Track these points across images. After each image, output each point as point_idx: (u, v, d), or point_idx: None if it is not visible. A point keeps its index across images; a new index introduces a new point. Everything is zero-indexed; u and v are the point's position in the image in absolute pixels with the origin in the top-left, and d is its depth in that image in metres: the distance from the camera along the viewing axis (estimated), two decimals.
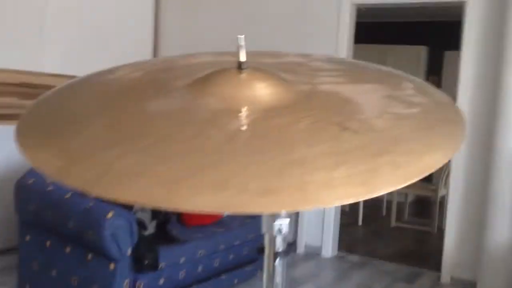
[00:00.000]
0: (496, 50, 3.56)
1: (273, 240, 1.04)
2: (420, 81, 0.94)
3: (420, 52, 6.70)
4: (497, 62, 3.53)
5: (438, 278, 3.87)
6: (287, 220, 1.07)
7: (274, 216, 1.06)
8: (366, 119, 0.81)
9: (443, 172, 5.31)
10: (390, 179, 0.69)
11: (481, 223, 3.61)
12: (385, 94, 0.89)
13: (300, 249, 4.35)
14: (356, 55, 4.31)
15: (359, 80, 0.95)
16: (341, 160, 0.73)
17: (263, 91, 0.90)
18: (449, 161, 3.82)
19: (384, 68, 1.00)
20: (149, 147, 0.85)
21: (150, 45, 5.09)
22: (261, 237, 1.06)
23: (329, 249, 4.30)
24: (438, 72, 6.62)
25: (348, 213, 5.54)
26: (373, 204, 5.86)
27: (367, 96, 0.88)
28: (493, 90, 3.57)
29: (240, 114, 0.88)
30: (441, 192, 5.35)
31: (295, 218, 4.30)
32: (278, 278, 1.10)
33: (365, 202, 5.44)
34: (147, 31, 5.05)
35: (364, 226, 5.54)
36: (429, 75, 6.66)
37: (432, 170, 0.72)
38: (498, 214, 3.44)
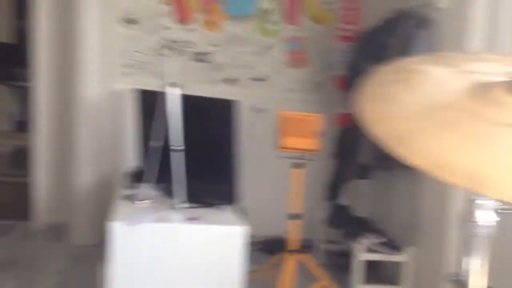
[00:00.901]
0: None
1: None
2: None
3: None
4: (72, 12, 3.59)
5: (32, 226, 3.88)
6: None
7: None
8: None
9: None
10: None
11: (68, 169, 3.75)
12: None
13: None
14: None
15: None
16: None
17: None
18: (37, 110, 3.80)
19: None
20: None
21: None
22: None
23: None
24: (23, 16, 6.35)
25: None
26: None
27: None
28: (71, 40, 3.64)
29: None
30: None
31: None
32: None
33: None
34: None
35: None
36: (16, 18, 6.36)
37: None
38: (81, 160, 3.64)
